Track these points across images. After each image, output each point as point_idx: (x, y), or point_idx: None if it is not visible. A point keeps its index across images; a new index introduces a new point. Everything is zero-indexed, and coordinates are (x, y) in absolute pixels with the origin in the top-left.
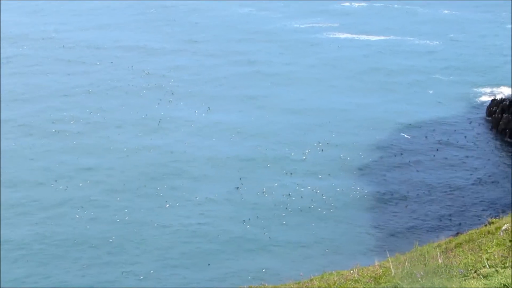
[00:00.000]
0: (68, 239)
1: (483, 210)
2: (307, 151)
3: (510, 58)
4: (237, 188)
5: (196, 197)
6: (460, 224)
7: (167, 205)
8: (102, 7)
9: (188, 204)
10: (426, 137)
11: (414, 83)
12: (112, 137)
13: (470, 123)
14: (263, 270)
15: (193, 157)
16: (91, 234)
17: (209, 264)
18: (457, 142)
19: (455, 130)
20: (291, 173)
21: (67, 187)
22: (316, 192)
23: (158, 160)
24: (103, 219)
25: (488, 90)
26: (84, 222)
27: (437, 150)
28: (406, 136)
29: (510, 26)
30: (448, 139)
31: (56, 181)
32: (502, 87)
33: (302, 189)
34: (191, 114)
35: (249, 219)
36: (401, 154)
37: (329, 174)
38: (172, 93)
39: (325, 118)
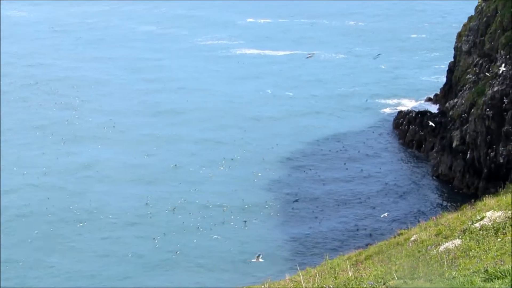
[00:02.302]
0: None
1: (392, 221)
2: (219, 165)
3: (412, 70)
4: (146, 204)
5: (109, 215)
6: (371, 235)
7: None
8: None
9: (94, 224)
10: (330, 150)
11: (320, 96)
12: (20, 158)
13: (380, 135)
14: None
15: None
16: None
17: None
18: (366, 154)
19: (364, 143)
20: (201, 191)
21: None
22: (226, 207)
23: (61, 187)
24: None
25: (392, 101)
26: None
27: (345, 164)
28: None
29: (415, 36)
30: (358, 152)
31: None
32: (405, 99)
33: (211, 206)
34: (100, 129)
35: (156, 239)
36: (310, 169)
37: (236, 190)
38: (77, 118)
39: (237, 133)
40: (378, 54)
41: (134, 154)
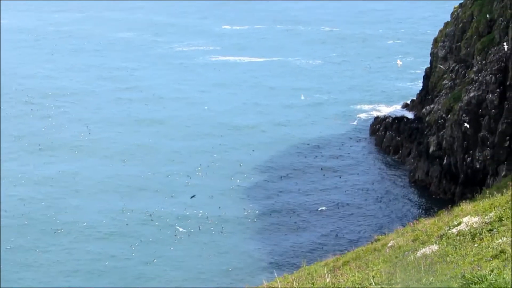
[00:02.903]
0: None
1: (369, 227)
2: (195, 174)
3: (388, 75)
4: (123, 212)
5: (84, 223)
6: (349, 241)
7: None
8: None
9: (71, 233)
10: (306, 157)
11: (296, 103)
12: None
13: (357, 141)
14: None
15: (77, 182)
16: None
17: None
18: (343, 161)
19: (340, 149)
20: (178, 199)
21: None
22: (203, 215)
23: (35, 192)
24: None
25: (368, 107)
26: None
27: (321, 169)
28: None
29: (391, 42)
30: (335, 158)
31: None
32: (382, 105)
33: (188, 213)
34: (76, 139)
35: (133, 247)
36: (287, 175)
37: (212, 196)
38: (52, 120)
39: (213, 141)
40: None
41: (110, 163)
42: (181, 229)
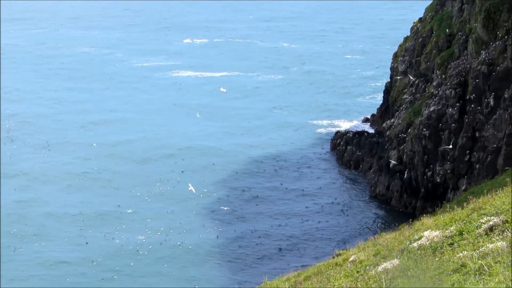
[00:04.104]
0: None
1: (330, 241)
2: (155, 197)
3: (348, 90)
4: (81, 229)
5: (42, 248)
6: (312, 256)
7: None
8: None
9: (27, 265)
10: (265, 170)
11: (257, 120)
12: None
13: (318, 156)
14: None
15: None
16: None
17: None
18: (304, 176)
19: (299, 163)
20: (138, 214)
21: None
22: (162, 237)
23: None
24: None
25: (328, 122)
26: None
27: (282, 184)
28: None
29: (349, 56)
30: (296, 173)
31: None
32: (342, 119)
33: (149, 232)
34: (33, 164)
35: (95, 262)
36: (249, 189)
37: (172, 211)
38: (12, 140)
39: (173, 163)
40: None
41: (67, 189)
42: (140, 252)
